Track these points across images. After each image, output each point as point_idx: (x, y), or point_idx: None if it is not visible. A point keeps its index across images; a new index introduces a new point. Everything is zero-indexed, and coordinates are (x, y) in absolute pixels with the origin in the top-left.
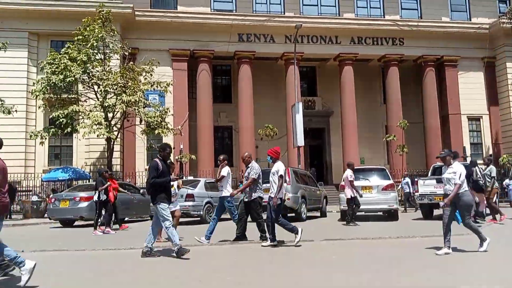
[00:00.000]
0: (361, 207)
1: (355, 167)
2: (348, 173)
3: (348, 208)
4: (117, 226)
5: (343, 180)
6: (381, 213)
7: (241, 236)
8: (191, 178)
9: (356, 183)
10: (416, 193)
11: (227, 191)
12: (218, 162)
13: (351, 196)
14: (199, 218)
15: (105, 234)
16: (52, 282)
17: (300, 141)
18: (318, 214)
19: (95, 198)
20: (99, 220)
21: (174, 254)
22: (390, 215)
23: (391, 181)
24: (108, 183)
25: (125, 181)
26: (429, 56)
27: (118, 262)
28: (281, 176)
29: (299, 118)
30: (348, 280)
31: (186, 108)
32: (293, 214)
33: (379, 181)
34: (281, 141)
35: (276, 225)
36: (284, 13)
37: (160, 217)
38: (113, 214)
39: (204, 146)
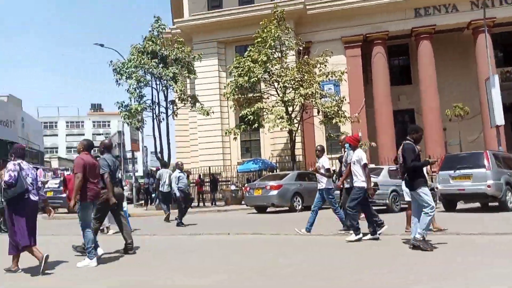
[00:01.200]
0: None
1: None
2: None
3: None
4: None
5: None
6: None
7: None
8: (372, 165)
9: None
10: None
11: (324, 183)
12: (317, 152)
13: None
14: (385, 207)
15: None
16: (253, 261)
17: (499, 119)
18: None
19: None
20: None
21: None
22: None
23: None
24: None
25: (307, 170)
26: None
27: (310, 246)
28: (366, 165)
29: (496, 93)
30: None
31: (362, 94)
32: (496, 204)
33: None
34: (475, 120)
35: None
36: None
37: (423, 203)
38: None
39: (384, 132)
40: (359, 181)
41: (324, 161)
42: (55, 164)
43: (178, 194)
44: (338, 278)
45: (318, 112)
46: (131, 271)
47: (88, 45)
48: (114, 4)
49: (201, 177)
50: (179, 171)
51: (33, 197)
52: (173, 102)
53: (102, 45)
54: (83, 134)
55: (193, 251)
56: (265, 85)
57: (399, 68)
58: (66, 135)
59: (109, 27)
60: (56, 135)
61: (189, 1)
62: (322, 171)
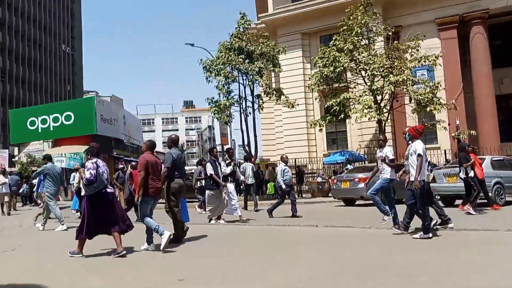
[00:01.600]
0: None
1: None
2: None
3: None
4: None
5: None
6: None
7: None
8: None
9: None
10: None
11: (388, 173)
12: (380, 142)
13: None
14: (486, 200)
15: (470, 215)
16: (349, 256)
17: None
18: None
19: (462, 175)
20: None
21: None
22: None
23: None
24: (473, 159)
25: (399, 162)
26: None
27: (404, 243)
28: (419, 155)
29: None
30: None
31: (459, 79)
32: None
33: None
34: None
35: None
36: None
37: None
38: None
39: (485, 119)
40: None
41: (388, 151)
42: None
43: (283, 187)
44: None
45: (410, 100)
46: (208, 260)
47: (180, 45)
48: (204, 4)
49: None
50: (284, 164)
51: (110, 190)
52: (258, 96)
53: (192, 45)
54: (177, 130)
55: (279, 243)
56: (352, 74)
57: (502, 49)
58: (162, 130)
59: (199, 27)
60: (154, 131)
61: None
62: (386, 161)
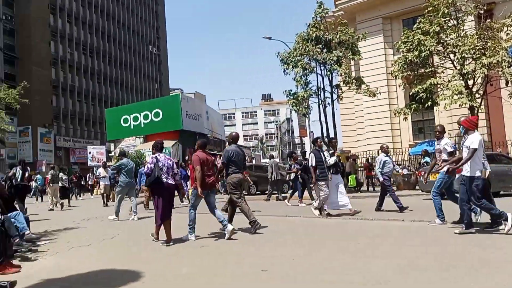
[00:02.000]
0: None
1: None
2: None
3: None
4: None
5: None
6: None
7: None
8: None
9: None
10: None
11: (446, 167)
12: (437, 133)
13: None
14: None
15: None
16: (442, 250)
17: None
18: None
19: None
20: None
21: None
22: None
23: None
24: None
25: (495, 151)
26: None
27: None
28: (474, 149)
29: None
30: None
31: None
32: None
33: None
34: None
35: None
36: None
37: None
38: None
39: None
40: (473, 169)
41: (447, 144)
42: None
43: (381, 179)
44: None
45: (507, 83)
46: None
47: (258, 39)
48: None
49: (369, 161)
50: (385, 155)
51: (170, 181)
52: (337, 86)
53: (270, 38)
54: (256, 123)
55: (364, 236)
56: (439, 58)
57: None
58: (242, 124)
59: (276, 20)
60: (234, 125)
61: None
62: (444, 155)
